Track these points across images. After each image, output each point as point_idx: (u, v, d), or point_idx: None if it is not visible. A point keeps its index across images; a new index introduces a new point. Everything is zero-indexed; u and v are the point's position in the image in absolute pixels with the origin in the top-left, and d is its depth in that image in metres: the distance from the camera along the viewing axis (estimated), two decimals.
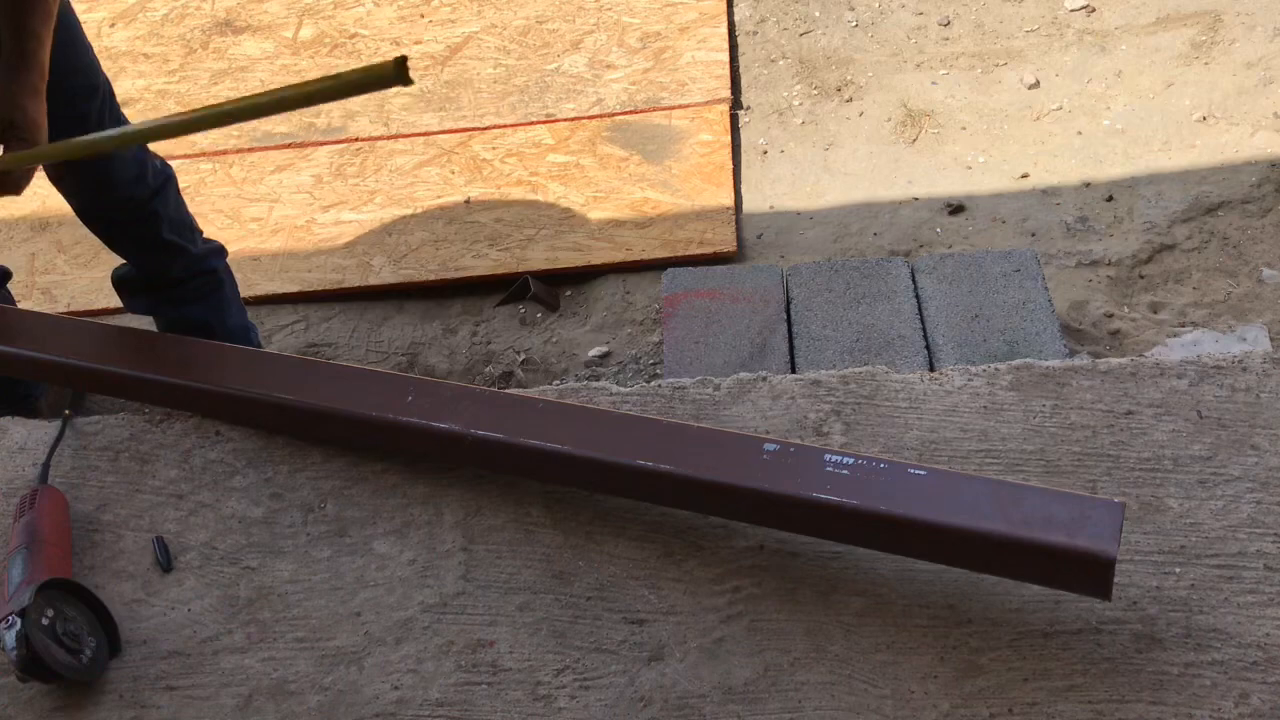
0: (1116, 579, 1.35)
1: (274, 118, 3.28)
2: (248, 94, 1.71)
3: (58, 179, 2.09)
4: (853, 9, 3.36)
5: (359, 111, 3.25)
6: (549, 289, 2.71)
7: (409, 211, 2.94)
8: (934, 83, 3.10)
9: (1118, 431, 1.60)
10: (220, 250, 2.39)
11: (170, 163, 2.26)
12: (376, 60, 1.36)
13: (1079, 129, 2.91)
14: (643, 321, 2.59)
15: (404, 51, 3.40)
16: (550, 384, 2.44)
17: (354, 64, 3.40)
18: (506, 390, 1.77)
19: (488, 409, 1.67)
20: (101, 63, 2.10)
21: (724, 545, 1.56)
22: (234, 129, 3.26)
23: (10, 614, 1.45)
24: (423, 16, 3.54)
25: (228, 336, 2.38)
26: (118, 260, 2.35)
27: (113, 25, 3.71)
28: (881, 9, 3.34)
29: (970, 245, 2.64)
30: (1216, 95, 2.91)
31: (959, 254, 2.43)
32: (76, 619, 1.50)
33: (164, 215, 2.23)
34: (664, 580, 1.53)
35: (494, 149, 3.07)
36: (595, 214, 2.84)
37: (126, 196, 2.16)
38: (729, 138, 3.00)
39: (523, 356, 2.59)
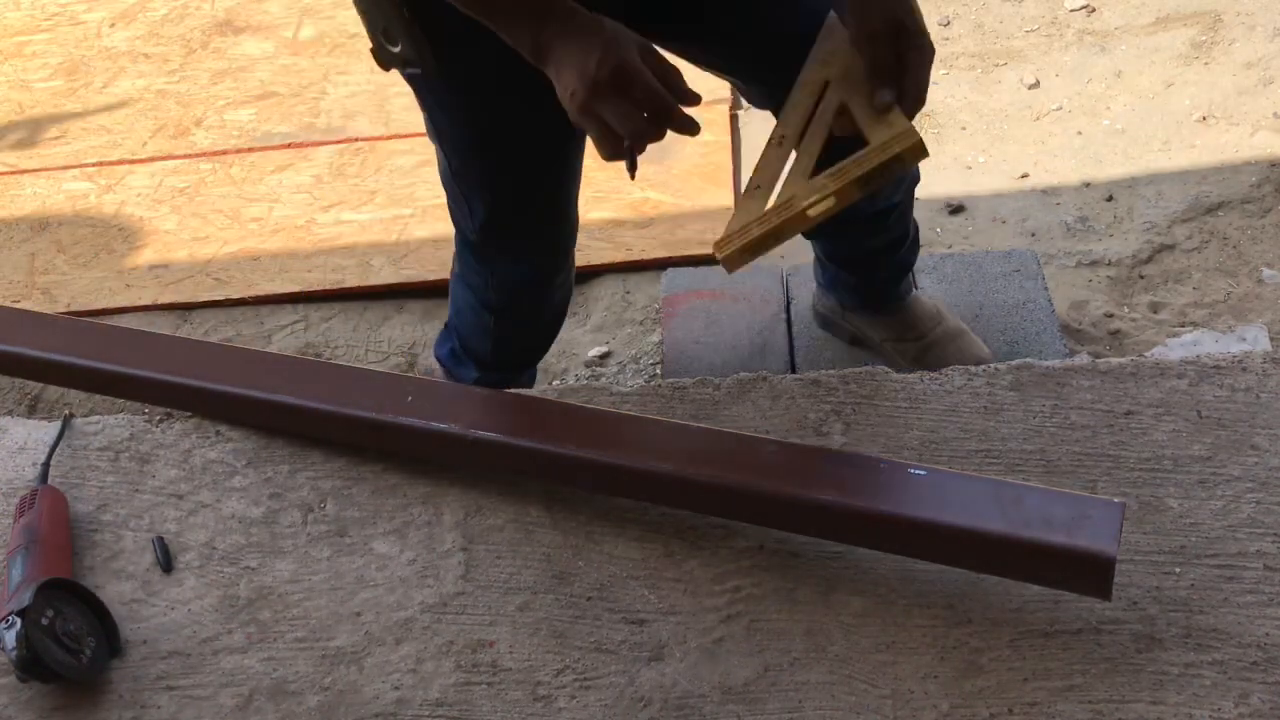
0: (1116, 579, 1.35)
1: (275, 117, 3.29)
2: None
3: None
4: None
5: (359, 111, 3.25)
6: None
7: (409, 211, 2.93)
8: (934, 83, 3.09)
9: (1118, 431, 1.60)
10: None
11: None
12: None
13: (1079, 129, 2.90)
14: (643, 321, 2.58)
15: None
16: (550, 384, 2.44)
17: (354, 64, 3.40)
18: (506, 390, 1.77)
19: (487, 409, 1.67)
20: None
21: (724, 545, 1.55)
22: (234, 130, 3.26)
23: (10, 614, 1.45)
24: None
25: None
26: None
27: (112, 25, 3.70)
28: None
29: (970, 245, 2.64)
30: (1216, 95, 2.90)
31: (959, 254, 2.42)
32: (76, 619, 1.50)
33: None
34: (664, 580, 1.53)
35: None
36: (595, 214, 2.83)
37: None
38: (729, 138, 2.99)
39: None
